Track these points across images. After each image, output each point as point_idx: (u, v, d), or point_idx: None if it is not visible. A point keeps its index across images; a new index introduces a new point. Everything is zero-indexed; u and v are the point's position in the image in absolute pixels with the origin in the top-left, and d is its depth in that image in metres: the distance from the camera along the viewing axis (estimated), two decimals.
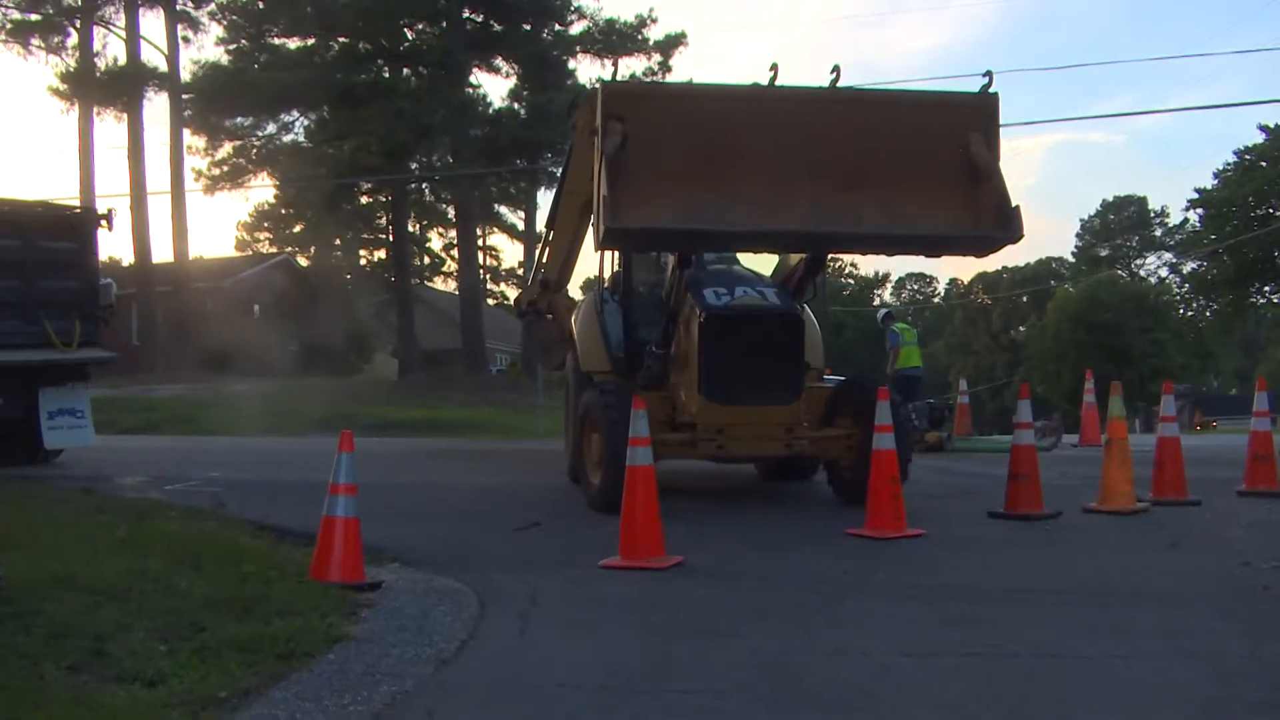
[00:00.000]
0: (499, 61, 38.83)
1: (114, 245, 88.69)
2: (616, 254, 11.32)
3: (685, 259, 9.89)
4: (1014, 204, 8.29)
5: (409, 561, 7.40)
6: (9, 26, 39.49)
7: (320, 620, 5.48)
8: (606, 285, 11.41)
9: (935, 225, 8.47)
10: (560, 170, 12.53)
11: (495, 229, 57.67)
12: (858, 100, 9.11)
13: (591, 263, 11.17)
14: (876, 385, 9.57)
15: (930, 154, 8.44)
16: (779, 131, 8.50)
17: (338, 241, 63.30)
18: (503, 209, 51.03)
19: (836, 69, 8.95)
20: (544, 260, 13.74)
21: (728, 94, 9.03)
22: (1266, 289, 54.51)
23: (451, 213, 47.85)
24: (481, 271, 55.10)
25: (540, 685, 4.69)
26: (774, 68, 8.80)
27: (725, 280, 9.82)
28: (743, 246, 9.70)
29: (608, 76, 10.21)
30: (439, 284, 66.73)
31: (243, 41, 37.83)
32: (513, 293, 64.66)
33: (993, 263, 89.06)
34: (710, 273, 10.09)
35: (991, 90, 8.69)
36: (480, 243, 54.54)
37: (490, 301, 62.07)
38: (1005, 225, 8.29)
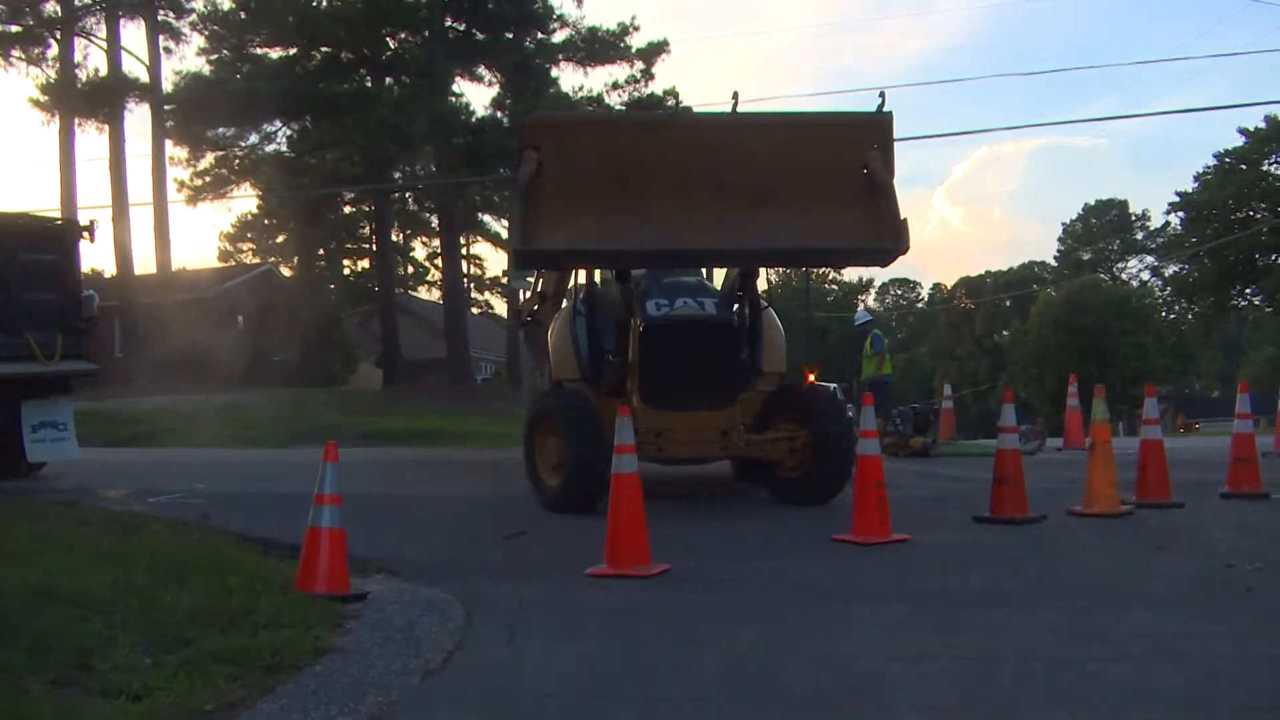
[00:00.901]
0: (481, 70, 38.79)
1: (96, 257, 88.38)
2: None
3: (622, 273, 10.35)
4: (903, 217, 8.68)
5: (395, 572, 7.39)
6: None
7: (306, 632, 5.46)
8: (580, 297, 11.52)
9: (839, 239, 8.91)
10: None
11: (479, 238, 57.61)
12: (761, 124, 9.80)
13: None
14: (817, 389, 10.03)
15: (832, 171, 8.87)
16: (688, 156, 8.96)
17: (321, 251, 63.20)
18: (486, 217, 50.92)
19: (735, 95, 9.91)
20: (542, 272, 13.84)
21: (637, 122, 9.86)
22: (1247, 291, 54.86)
23: (435, 222, 47.79)
24: (465, 280, 55.02)
25: (528, 695, 4.69)
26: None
27: (670, 291, 10.18)
28: (655, 263, 10.04)
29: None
30: (423, 293, 66.74)
31: (224, 51, 37.71)
32: (497, 301, 64.82)
33: (976, 267, 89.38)
34: (660, 284, 10.41)
35: (886, 109, 9.12)
36: (464, 251, 54.49)
37: (475, 310, 62.05)
38: (897, 238, 8.68)
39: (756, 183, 8.80)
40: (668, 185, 8.75)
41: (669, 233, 8.74)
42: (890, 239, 8.60)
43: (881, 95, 9.24)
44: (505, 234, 49.97)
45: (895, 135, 9.12)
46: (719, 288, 11.21)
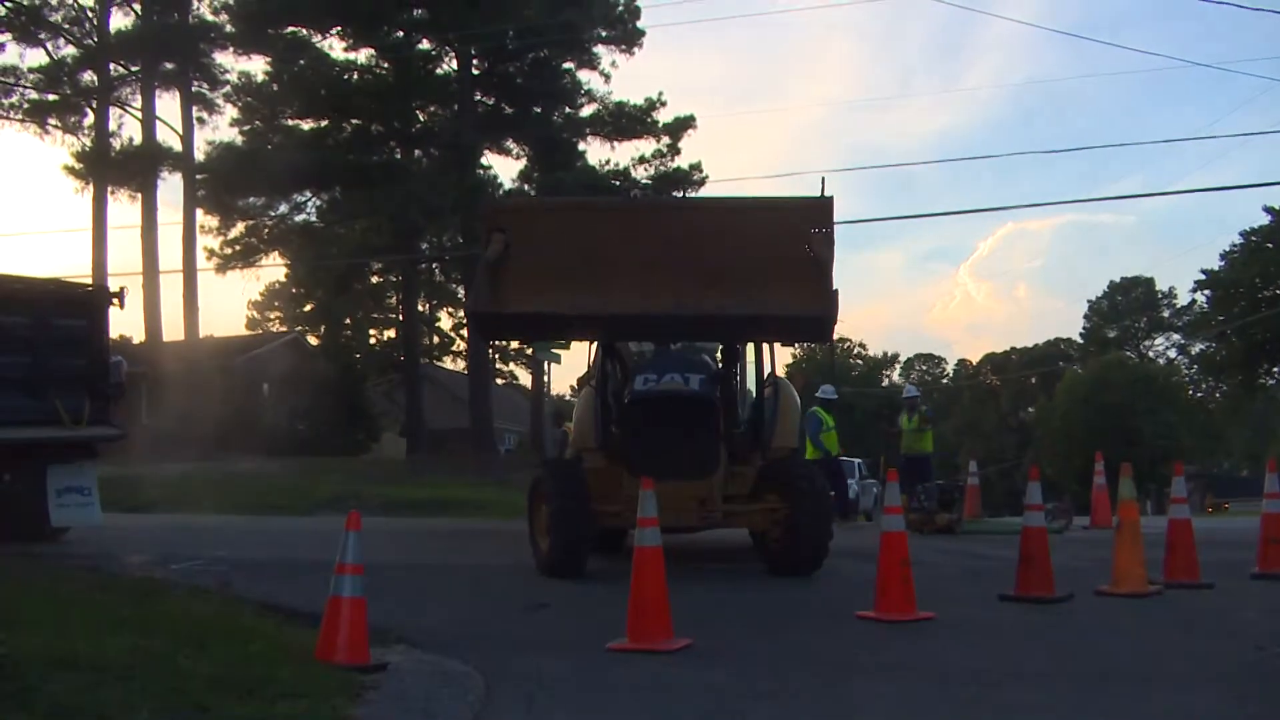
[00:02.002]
0: (509, 143, 39.23)
1: (125, 323, 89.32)
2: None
3: (608, 348, 11.29)
4: (835, 289, 9.53)
5: (415, 643, 7.34)
6: (27, 106, 40.02)
7: (325, 703, 5.43)
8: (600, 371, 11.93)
9: (786, 306, 9.60)
10: None
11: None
12: (714, 208, 10.76)
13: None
14: (796, 460, 10.49)
15: (779, 251, 9.56)
16: (647, 238, 9.78)
17: (348, 320, 63.59)
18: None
19: (683, 188, 10.89)
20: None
21: (597, 206, 10.64)
22: (1275, 370, 54.56)
23: (461, 293, 48.05)
24: (490, 351, 55.21)
25: None
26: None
27: (661, 366, 10.71)
28: (614, 331, 10.66)
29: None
30: (448, 363, 66.90)
31: (256, 122, 38.27)
32: (521, 372, 64.88)
33: (1001, 343, 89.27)
34: (656, 359, 11.05)
35: (827, 195, 9.91)
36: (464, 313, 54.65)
37: (499, 381, 62.18)
38: (828, 305, 9.51)
39: (710, 262, 9.52)
40: (628, 266, 9.48)
41: (628, 309, 9.54)
42: (822, 307, 9.37)
43: (823, 181, 10.10)
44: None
45: (836, 220, 9.89)
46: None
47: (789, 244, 9.42)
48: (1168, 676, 6.38)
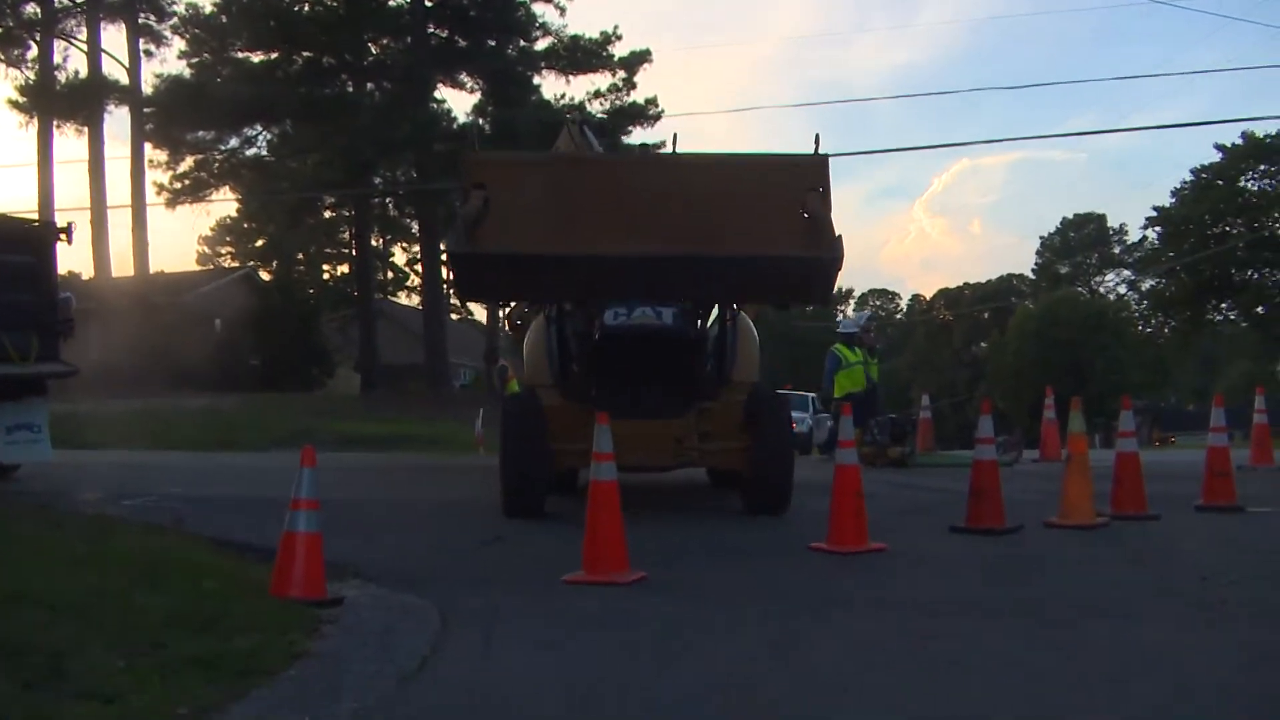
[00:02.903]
0: (463, 77, 38.83)
1: (74, 259, 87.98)
2: None
3: None
4: (838, 234, 8.97)
5: (371, 577, 7.36)
6: None
7: (281, 637, 5.44)
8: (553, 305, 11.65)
9: (778, 249, 9.11)
10: None
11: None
12: (703, 164, 10.01)
13: None
14: (760, 400, 10.22)
15: (772, 212, 9.08)
16: (632, 195, 9.23)
17: (300, 256, 63.08)
18: None
19: (675, 136, 10.12)
20: None
21: (581, 162, 9.95)
22: (1223, 306, 55.26)
23: (415, 227, 47.74)
24: (444, 286, 54.92)
25: (503, 702, 4.68)
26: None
27: (630, 300, 10.30)
28: (597, 273, 9.80)
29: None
30: (402, 298, 66.62)
31: (205, 55, 37.67)
32: (476, 308, 64.68)
33: (955, 279, 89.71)
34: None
35: (822, 152, 9.41)
36: (443, 257, 54.42)
37: (454, 317, 61.94)
38: (832, 247, 8.93)
39: (699, 222, 9.02)
40: (613, 223, 8.97)
41: (619, 251, 9.00)
42: (826, 248, 8.87)
43: (817, 138, 9.54)
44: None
45: (832, 178, 9.36)
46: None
47: (783, 202, 9.03)
48: (1115, 607, 6.49)
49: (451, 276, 9.65)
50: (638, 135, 38.08)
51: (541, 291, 10.09)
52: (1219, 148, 51.62)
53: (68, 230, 13.69)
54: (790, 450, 10.36)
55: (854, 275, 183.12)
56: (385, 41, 38.67)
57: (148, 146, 38.40)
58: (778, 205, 9.05)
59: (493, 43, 37.90)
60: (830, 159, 9.40)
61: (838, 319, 20.20)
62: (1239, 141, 50.67)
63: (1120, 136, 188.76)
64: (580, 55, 37.64)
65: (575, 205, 9.09)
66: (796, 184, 9.08)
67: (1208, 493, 10.28)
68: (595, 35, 37.72)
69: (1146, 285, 69.91)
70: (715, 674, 5.09)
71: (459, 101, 64.73)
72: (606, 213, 9.03)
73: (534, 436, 10.04)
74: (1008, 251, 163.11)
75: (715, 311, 11.56)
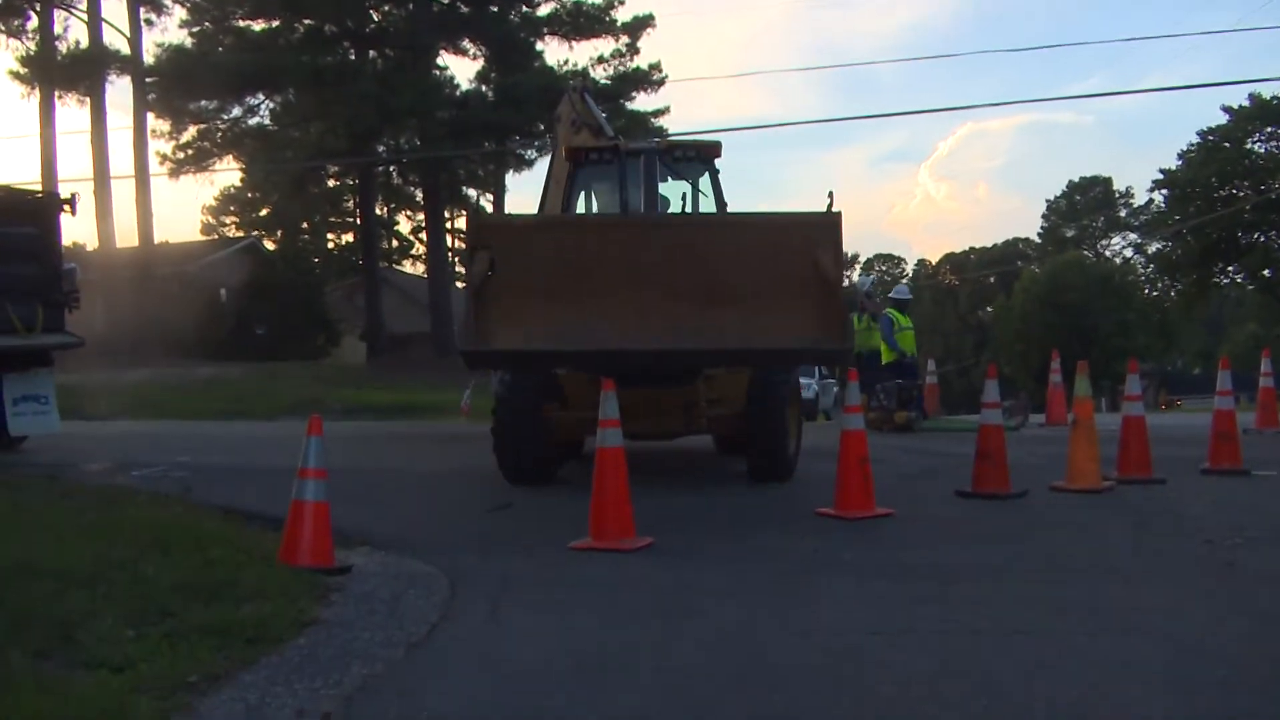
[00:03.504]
0: (466, 43, 38.66)
1: (78, 230, 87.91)
2: None
3: None
4: (847, 315, 8.88)
5: (379, 545, 7.39)
6: None
7: (290, 604, 5.47)
8: None
9: (791, 339, 8.72)
10: (547, 170, 12.64)
11: (463, 211, 57.50)
12: (713, 224, 9.70)
13: None
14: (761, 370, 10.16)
15: (783, 271, 8.72)
16: (638, 256, 8.88)
17: (305, 225, 63.02)
18: (471, 191, 50.89)
19: (684, 195, 10.72)
20: None
21: (586, 223, 9.73)
22: (1230, 269, 55.10)
23: (420, 195, 47.66)
24: (450, 254, 54.87)
25: (511, 667, 4.70)
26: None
27: None
28: (604, 366, 9.45)
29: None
30: (407, 267, 66.58)
31: (206, 24, 37.51)
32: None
33: (960, 243, 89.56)
34: None
35: (835, 209, 9.07)
36: (448, 225, 54.34)
37: (459, 284, 61.89)
38: (844, 338, 8.68)
39: (708, 282, 8.75)
40: (621, 284, 8.69)
41: (622, 332, 8.65)
42: (837, 339, 8.60)
43: (830, 196, 9.46)
44: (490, 208, 49.95)
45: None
46: None
47: (795, 262, 8.65)
48: (1120, 571, 6.50)
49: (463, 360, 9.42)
50: (641, 101, 37.97)
51: (549, 368, 10.02)
52: (1226, 110, 51.38)
53: (71, 201, 13.68)
54: (784, 417, 10.22)
55: (859, 240, 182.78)
56: (387, 8, 38.48)
57: (150, 116, 38.29)
58: (790, 266, 8.70)
59: (495, 9, 37.69)
60: (839, 218, 9.02)
61: (846, 285, 19.98)
62: (1246, 104, 50.39)
63: (1127, 99, 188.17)
64: (583, 20, 37.44)
65: (583, 267, 8.81)
66: (810, 241, 8.75)
67: (1214, 456, 10.27)
68: (598, 0, 37.52)
69: (1153, 249, 69.60)
70: (722, 638, 5.11)
71: (461, 68, 64.79)
72: (615, 275, 8.74)
73: (521, 409, 10.04)
74: (1013, 215, 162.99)
75: None
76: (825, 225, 8.89)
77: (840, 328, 8.56)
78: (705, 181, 11.70)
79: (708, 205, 11.70)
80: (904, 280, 25.05)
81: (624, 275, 8.68)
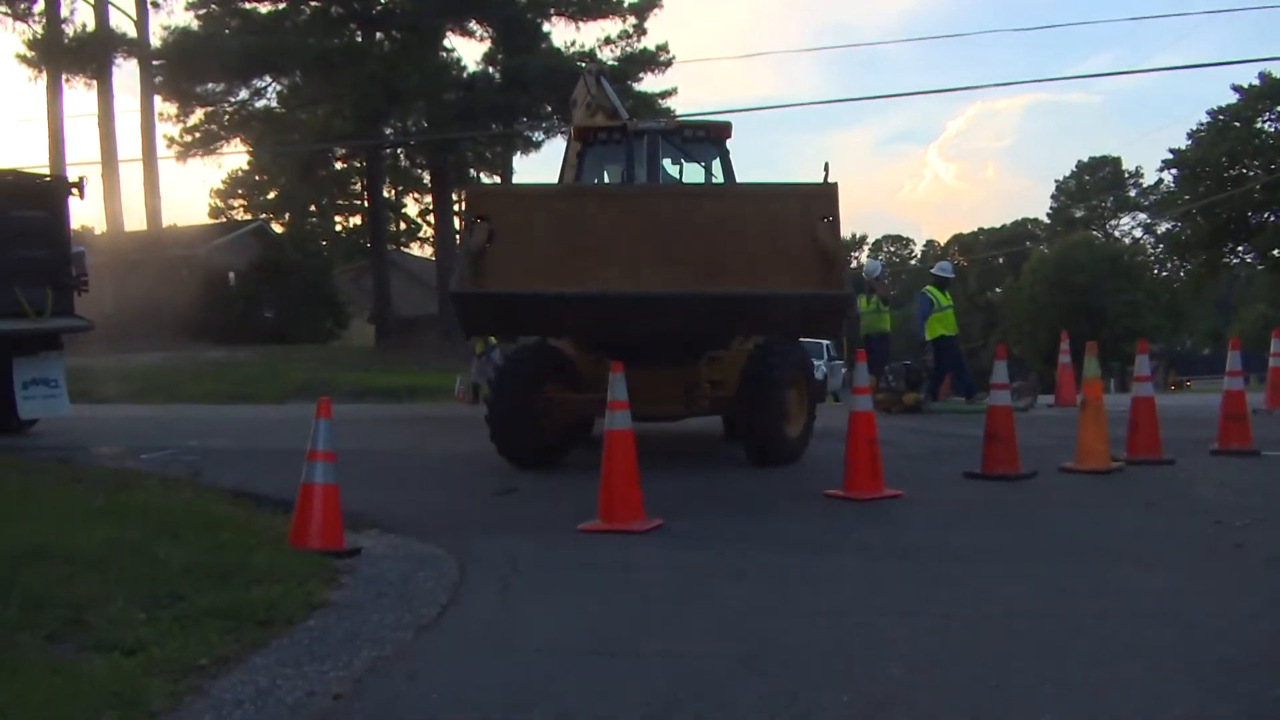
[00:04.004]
0: (473, 25, 38.53)
1: (86, 213, 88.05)
2: None
3: None
4: (845, 272, 8.74)
5: (388, 527, 7.41)
6: None
7: (299, 587, 5.49)
8: None
9: (787, 286, 8.76)
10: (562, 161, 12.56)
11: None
12: (711, 195, 9.71)
13: None
14: (760, 352, 10.06)
15: (781, 243, 8.76)
16: (639, 227, 8.92)
17: (312, 208, 63.01)
18: (478, 173, 50.85)
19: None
20: None
21: (585, 192, 9.67)
22: (1239, 249, 54.92)
23: (427, 178, 47.60)
24: (457, 236, 54.83)
25: (521, 649, 4.71)
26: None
27: None
28: (602, 316, 9.40)
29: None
30: (415, 249, 66.55)
31: (213, 6, 37.42)
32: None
33: (969, 224, 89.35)
34: None
35: (831, 180, 9.19)
36: (456, 207, 54.29)
37: None
38: (844, 284, 8.69)
39: (707, 254, 8.76)
40: (619, 255, 8.70)
41: (620, 284, 8.68)
42: (837, 284, 8.59)
43: (826, 166, 9.60)
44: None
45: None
46: None
47: (793, 232, 8.75)
48: (1129, 551, 6.50)
49: (456, 313, 9.17)
50: (648, 82, 37.86)
51: (547, 329, 9.72)
52: (1236, 89, 51.17)
53: (79, 185, 13.72)
54: (779, 398, 10.08)
55: (867, 221, 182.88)
56: None
57: (157, 99, 38.26)
58: (788, 236, 8.79)
59: None
60: (836, 189, 9.13)
61: (854, 265, 19.84)
62: (1256, 82, 50.18)
63: (1137, 78, 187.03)
64: (590, 1, 37.32)
65: (581, 238, 8.88)
66: (807, 214, 8.82)
67: (1223, 437, 10.26)
68: None
69: (1162, 228, 69.44)
70: (731, 619, 5.12)
71: (468, 50, 64.34)
72: (613, 246, 8.79)
73: (512, 393, 9.97)
74: (1022, 196, 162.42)
75: None
76: (822, 195, 8.96)
77: (837, 280, 8.52)
78: (717, 163, 11.69)
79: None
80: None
81: (623, 245, 8.72)
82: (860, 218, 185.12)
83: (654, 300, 8.67)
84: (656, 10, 37.81)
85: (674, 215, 8.90)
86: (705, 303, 8.91)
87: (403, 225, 68.04)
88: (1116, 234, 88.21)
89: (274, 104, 40.22)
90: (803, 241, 8.63)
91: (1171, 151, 55.14)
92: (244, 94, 38.78)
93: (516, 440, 10.06)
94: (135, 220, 39.89)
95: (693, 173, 11.99)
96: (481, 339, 21.32)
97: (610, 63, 35.99)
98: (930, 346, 16.91)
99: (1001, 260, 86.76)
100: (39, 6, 39.31)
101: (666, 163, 11.98)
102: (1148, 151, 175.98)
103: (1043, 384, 19.44)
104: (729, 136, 11.79)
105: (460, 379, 23.33)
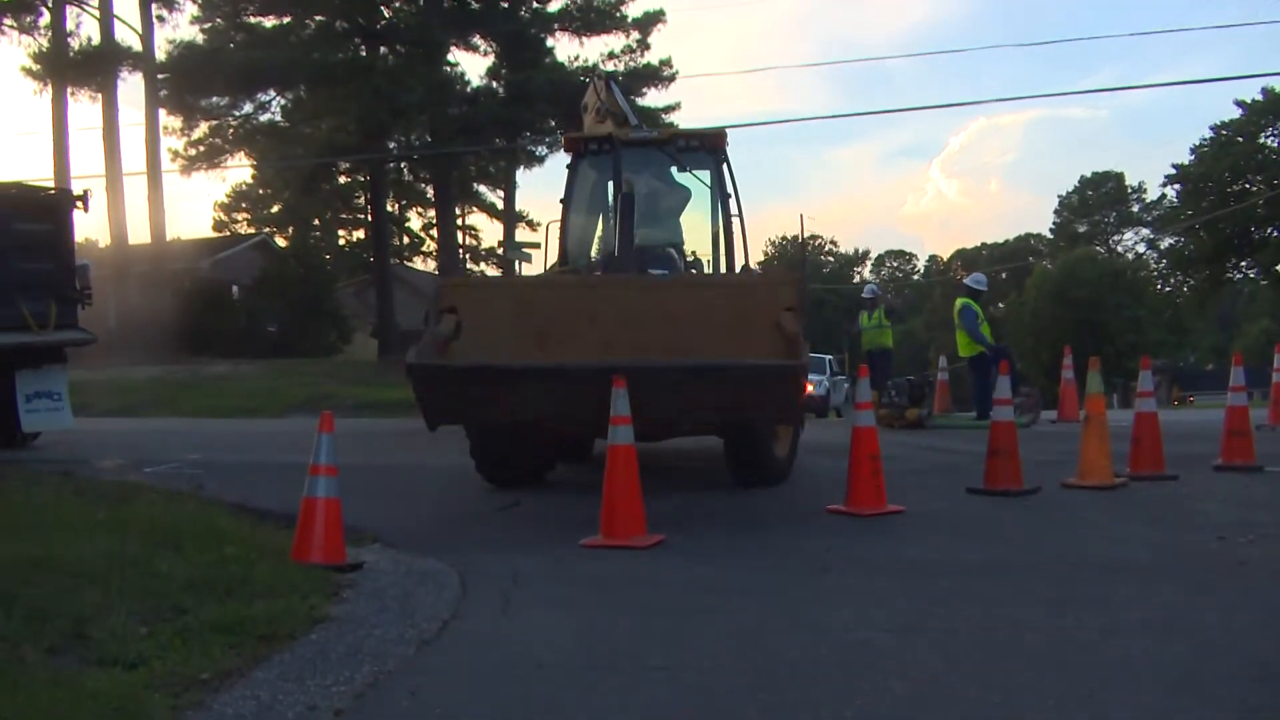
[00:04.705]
0: (477, 39, 38.60)
1: (90, 227, 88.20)
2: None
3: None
4: (805, 362, 8.41)
5: (390, 542, 7.41)
6: None
7: (302, 601, 5.48)
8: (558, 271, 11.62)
9: (749, 359, 8.42)
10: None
11: (474, 208, 57.40)
12: (679, 285, 9.48)
13: None
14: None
15: (746, 329, 8.54)
16: (605, 315, 8.71)
17: (316, 221, 63.07)
18: (482, 188, 50.94)
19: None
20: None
21: (553, 284, 9.50)
22: (1243, 264, 54.93)
23: (430, 192, 47.65)
24: (461, 251, 54.86)
25: (523, 664, 4.70)
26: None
27: (623, 260, 10.13)
28: (565, 394, 8.85)
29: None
30: (418, 264, 66.55)
31: (217, 20, 37.49)
32: (492, 272, 64.68)
33: (972, 239, 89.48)
34: (621, 253, 10.39)
35: (795, 272, 8.96)
36: (459, 222, 54.36)
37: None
38: (802, 355, 8.31)
39: (670, 338, 8.56)
40: (586, 344, 8.51)
41: (582, 359, 8.38)
42: (794, 359, 8.25)
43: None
44: (500, 204, 50.01)
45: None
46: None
47: (758, 320, 8.52)
48: (1133, 567, 6.49)
49: (416, 397, 8.78)
50: (652, 97, 37.92)
51: (512, 411, 9.11)
52: (1239, 104, 51.22)
53: (84, 198, 13.74)
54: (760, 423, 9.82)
55: (870, 237, 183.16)
56: (398, 5, 38.42)
57: (162, 113, 38.32)
58: (752, 323, 8.55)
59: (505, 4, 37.64)
60: (801, 279, 9.16)
61: (864, 288, 19.73)
62: (1259, 97, 50.21)
63: (1140, 94, 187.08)
64: (594, 16, 37.37)
65: (548, 326, 8.74)
66: (772, 301, 8.62)
67: (1226, 452, 10.25)
68: None
69: (1165, 244, 69.41)
70: (734, 634, 5.11)
71: (472, 65, 64.42)
72: (581, 333, 8.62)
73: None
74: (1025, 211, 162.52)
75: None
76: (786, 285, 8.84)
77: (797, 352, 8.23)
78: (723, 170, 11.67)
79: (716, 198, 11.70)
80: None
81: (588, 332, 8.53)
82: (864, 233, 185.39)
83: (611, 371, 8.42)
84: (660, 25, 37.85)
85: (640, 303, 8.76)
86: (663, 373, 8.47)
87: (406, 239, 68.04)
88: (1119, 249, 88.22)
89: (278, 118, 40.27)
90: (767, 328, 8.43)
91: (1174, 167, 55.24)
92: (248, 108, 38.84)
93: (494, 460, 9.92)
94: (139, 233, 39.90)
95: (688, 182, 11.96)
96: None
97: (614, 74, 36.06)
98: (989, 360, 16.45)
99: (1004, 275, 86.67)
100: (45, 20, 39.41)
101: (673, 172, 11.97)
102: (1151, 167, 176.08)
103: (1046, 399, 19.40)
104: (724, 145, 11.74)
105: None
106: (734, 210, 11.68)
